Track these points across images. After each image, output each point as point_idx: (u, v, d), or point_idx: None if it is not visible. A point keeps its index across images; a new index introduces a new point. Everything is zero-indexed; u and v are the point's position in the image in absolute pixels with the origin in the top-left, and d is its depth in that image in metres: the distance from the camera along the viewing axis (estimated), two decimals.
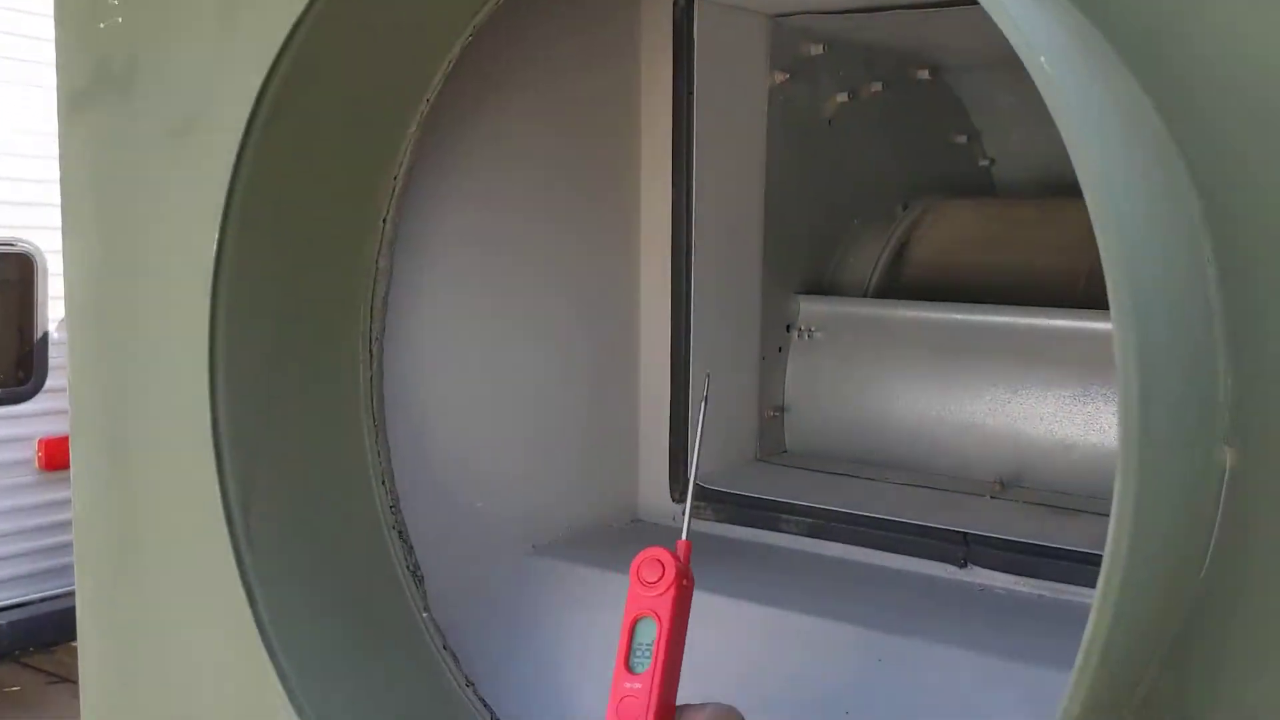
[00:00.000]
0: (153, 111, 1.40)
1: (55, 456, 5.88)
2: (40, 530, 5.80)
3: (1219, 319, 0.76)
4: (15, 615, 5.83)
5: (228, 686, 1.30)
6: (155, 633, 1.44)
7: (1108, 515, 1.41)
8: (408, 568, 1.23)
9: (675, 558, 0.97)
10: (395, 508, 1.25)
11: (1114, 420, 1.47)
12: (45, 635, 6.05)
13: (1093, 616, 0.67)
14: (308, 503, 1.18)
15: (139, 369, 1.42)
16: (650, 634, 0.96)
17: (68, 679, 6.63)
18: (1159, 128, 0.75)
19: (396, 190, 1.21)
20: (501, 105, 1.41)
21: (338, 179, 1.19)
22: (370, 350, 1.24)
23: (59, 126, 1.56)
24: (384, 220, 1.22)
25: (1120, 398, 0.65)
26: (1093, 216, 0.65)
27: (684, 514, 1.02)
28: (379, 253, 1.23)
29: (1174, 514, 0.72)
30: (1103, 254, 0.65)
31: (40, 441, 5.86)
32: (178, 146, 1.37)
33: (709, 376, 1.04)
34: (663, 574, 0.96)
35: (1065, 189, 1.98)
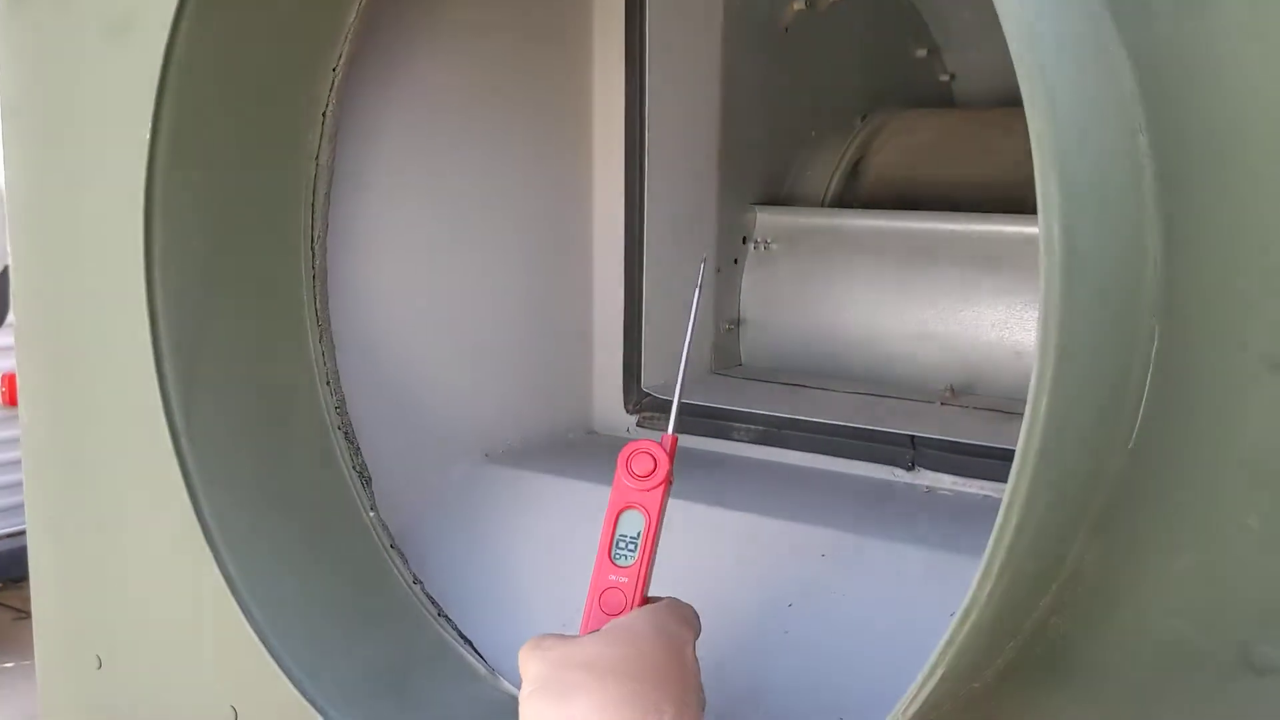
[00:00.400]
0: (91, 9, 1.37)
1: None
2: (7, 465, 5.75)
3: (1150, 190, 0.76)
4: None
5: (175, 587, 1.30)
6: (103, 540, 1.44)
7: None
8: (354, 468, 1.23)
9: (665, 452, 0.97)
10: (341, 408, 1.24)
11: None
12: (13, 570, 6.02)
13: (1014, 471, 0.67)
14: (250, 401, 1.17)
15: (78, 271, 1.40)
16: (635, 527, 0.96)
17: None
18: None
19: (336, 82, 1.19)
20: (446, 2, 1.38)
21: (275, 70, 1.16)
22: (312, 249, 1.22)
23: None
24: (324, 113, 1.19)
25: (1043, 261, 0.65)
26: (1019, 74, 0.64)
27: (672, 408, 1.01)
28: (319, 148, 1.21)
29: (1097, 384, 0.73)
30: (1028, 111, 0.64)
31: (4, 377, 5.80)
32: (115, 44, 1.34)
33: (704, 260, 1.02)
34: (654, 468, 0.96)
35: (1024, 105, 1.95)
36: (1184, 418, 0.78)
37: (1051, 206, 0.65)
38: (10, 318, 5.51)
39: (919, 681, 0.71)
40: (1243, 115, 0.75)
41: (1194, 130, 0.76)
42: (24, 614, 6.40)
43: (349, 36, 1.17)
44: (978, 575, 0.68)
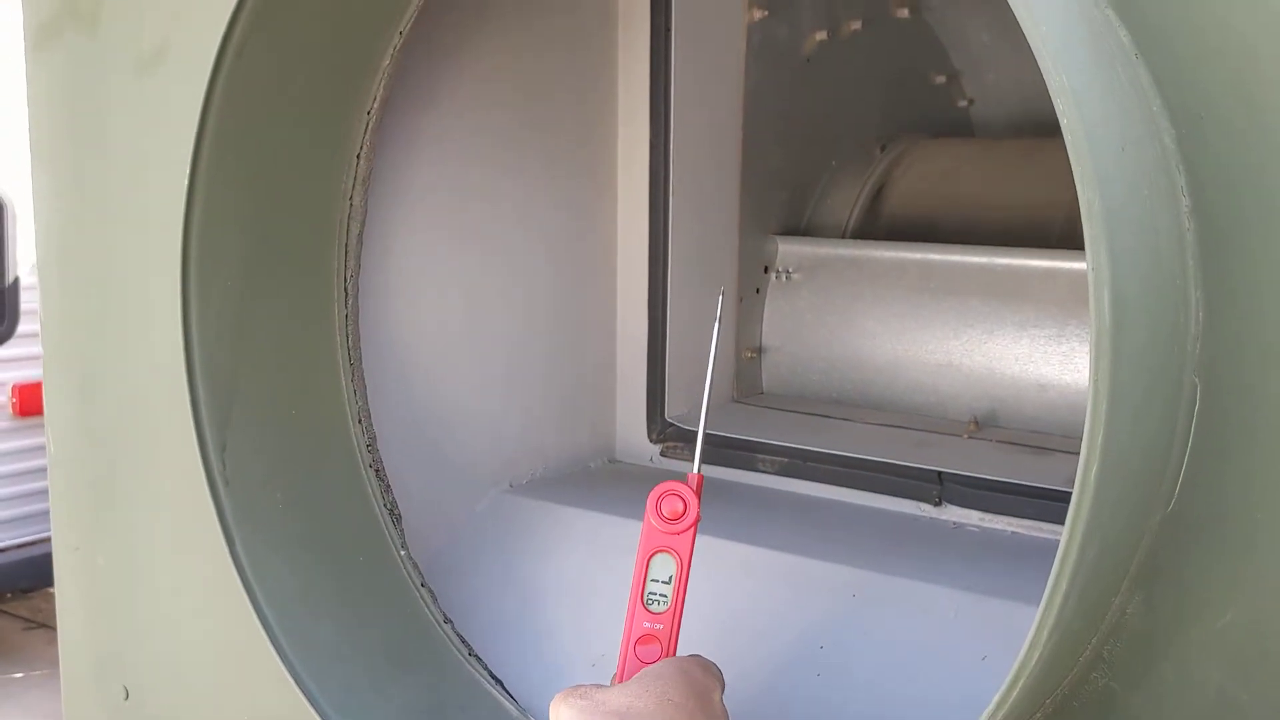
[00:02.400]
0: (121, 43, 1.38)
1: (29, 402, 5.83)
2: (14, 476, 5.77)
3: (1191, 251, 0.77)
4: None
5: (207, 624, 1.31)
6: (133, 573, 1.45)
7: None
8: (385, 506, 1.23)
9: (694, 492, 0.97)
10: (372, 446, 1.24)
11: (1087, 361, 1.49)
12: (21, 581, 6.04)
13: (1064, 538, 0.68)
14: (284, 441, 1.17)
15: (112, 307, 1.41)
16: (667, 571, 0.96)
17: (44, 625, 6.65)
18: (1129, 50, 0.75)
19: (370, 125, 1.20)
20: (475, 39, 1.39)
21: (311, 112, 1.17)
22: (345, 289, 1.23)
23: (26, 61, 1.54)
24: (358, 156, 1.20)
25: (1093, 320, 0.65)
26: (1067, 137, 0.65)
27: (696, 446, 1.02)
28: (353, 189, 1.22)
29: (1144, 439, 0.73)
30: (1076, 176, 0.65)
31: (14, 387, 5.81)
32: (147, 79, 1.35)
33: (723, 292, 1.01)
34: (685, 511, 0.96)
35: (1044, 131, 1.96)
36: (1225, 473, 0.79)
37: (1102, 273, 0.65)
38: (22, 328, 5.47)
39: None
40: None
41: (1232, 191, 0.77)
42: (33, 624, 6.42)
43: (383, 80, 1.18)
44: (1028, 640, 0.69)
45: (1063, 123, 0.64)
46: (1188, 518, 0.79)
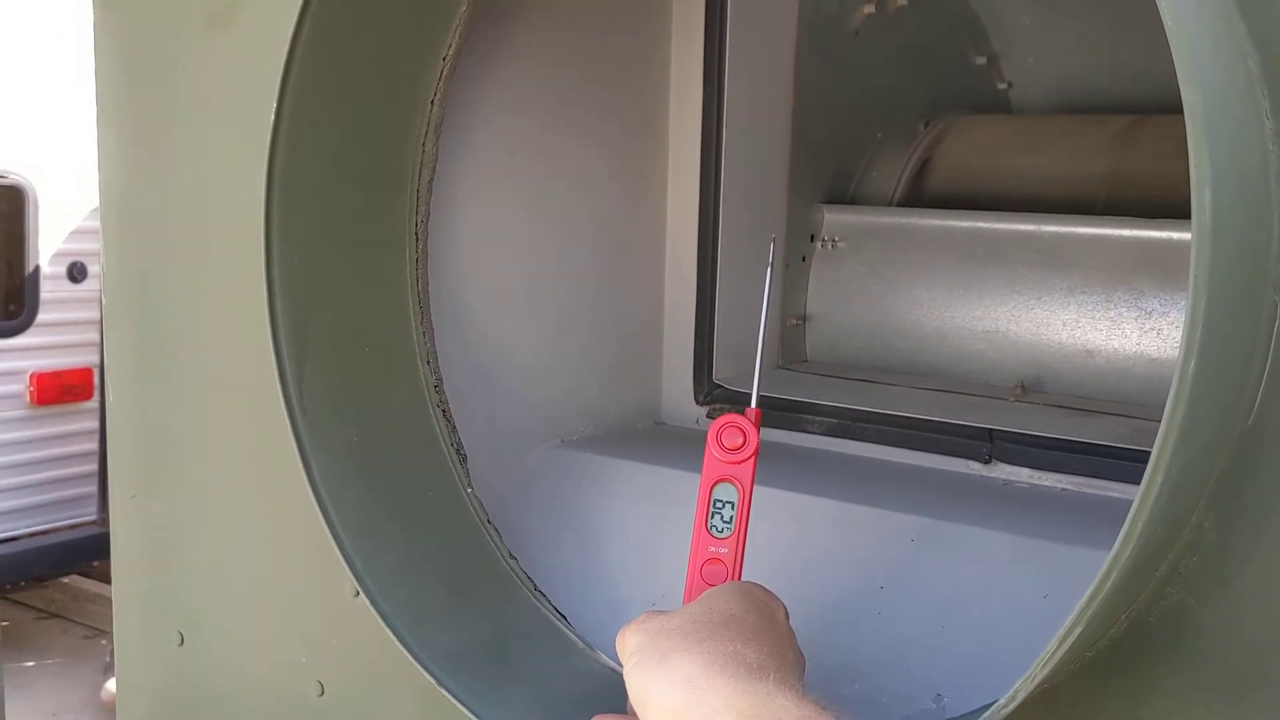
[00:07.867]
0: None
1: (46, 391, 5.87)
2: (31, 465, 5.80)
3: (1275, 173, 0.79)
4: (4, 550, 5.84)
5: (272, 558, 1.33)
6: (191, 516, 1.47)
7: (1128, 416, 1.44)
8: (452, 445, 1.26)
9: (754, 426, 1.00)
10: (439, 388, 1.27)
11: (1135, 327, 1.51)
12: (34, 571, 6.07)
13: (1157, 445, 0.70)
14: (357, 378, 1.20)
15: (180, 254, 1.43)
16: (730, 499, 0.99)
17: (57, 615, 6.68)
18: None
19: (445, 72, 1.22)
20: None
21: (388, 59, 1.19)
22: (416, 233, 1.26)
23: (94, 16, 1.56)
24: (431, 101, 1.23)
25: (1194, 220, 0.67)
26: (1171, 39, 0.67)
27: (754, 381, 1.05)
28: (425, 136, 1.24)
29: (1234, 345, 0.75)
30: (1180, 78, 0.67)
31: (31, 376, 5.85)
32: (219, 33, 1.38)
33: (775, 240, 1.05)
34: (744, 441, 0.99)
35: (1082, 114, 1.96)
36: None
37: (1203, 171, 0.67)
38: (41, 317, 5.52)
39: (1056, 640, 0.74)
40: None
41: None
42: (45, 614, 6.44)
43: (459, 26, 1.20)
44: (1121, 534, 0.71)
45: (1167, 24, 0.67)
46: (1265, 434, 0.81)
